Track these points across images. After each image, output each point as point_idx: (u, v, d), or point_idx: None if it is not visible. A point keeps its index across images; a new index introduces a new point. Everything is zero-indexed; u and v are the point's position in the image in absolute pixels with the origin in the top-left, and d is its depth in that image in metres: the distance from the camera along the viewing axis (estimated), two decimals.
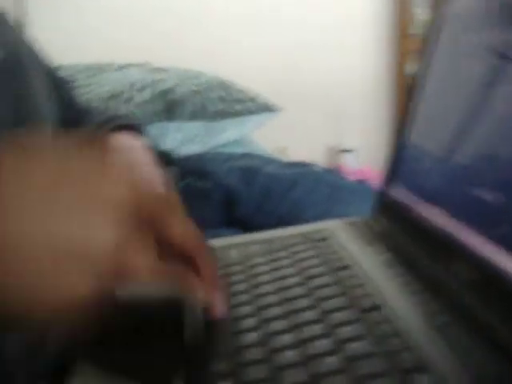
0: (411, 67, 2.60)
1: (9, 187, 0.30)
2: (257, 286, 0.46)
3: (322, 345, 0.36)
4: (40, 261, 0.29)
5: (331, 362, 0.34)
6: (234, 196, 1.09)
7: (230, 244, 0.58)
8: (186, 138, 1.63)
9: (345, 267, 0.48)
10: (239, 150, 1.54)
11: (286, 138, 2.37)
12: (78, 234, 0.30)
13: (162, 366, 0.40)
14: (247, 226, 1.02)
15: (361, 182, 1.18)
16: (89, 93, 1.67)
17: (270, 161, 1.21)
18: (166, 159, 1.14)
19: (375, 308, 0.40)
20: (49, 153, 0.34)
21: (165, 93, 1.65)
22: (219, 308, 0.38)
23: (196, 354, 0.37)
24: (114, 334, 0.34)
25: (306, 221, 0.70)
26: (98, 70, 1.92)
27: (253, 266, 0.50)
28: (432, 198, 0.51)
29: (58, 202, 0.31)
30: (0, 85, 0.75)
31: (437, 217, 0.49)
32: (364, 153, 2.69)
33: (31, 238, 0.29)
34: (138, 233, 0.33)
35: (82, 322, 0.31)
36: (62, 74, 1.01)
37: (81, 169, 0.33)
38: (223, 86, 1.79)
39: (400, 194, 0.58)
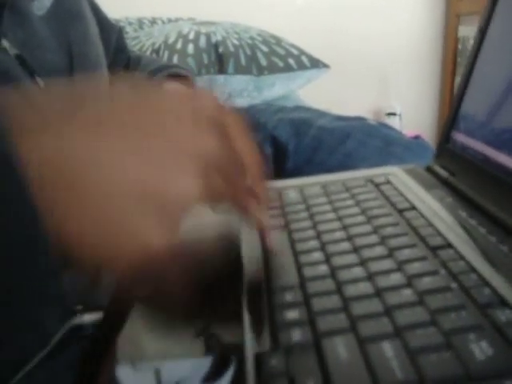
0: (464, 30, 2.52)
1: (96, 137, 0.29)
2: (321, 223, 0.45)
3: (394, 279, 0.35)
4: (121, 207, 0.28)
5: (405, 294, 0.33)
6: (283, 148, 1.07)
7: (287, 186, 0.57)
8: (233, 92, 1.61)
9: (410, 208, 0.47)
10: (289, 105, 1.52)
11: (329, 100, 2.33)
12: (159, 180, 0.29)
13: (222, 303, 0.40)
14: None
15: (415, 138, 1.15)
16: (138, 44, 1.67)
17: (322, 114, 1.19)
18: None
19: (445, 246, 0.39)
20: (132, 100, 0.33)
21: (216, 45, 1.63)
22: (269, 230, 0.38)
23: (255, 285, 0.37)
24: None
25: None
26: (148, 22, 1.91)
27: (315, 206, 0.49)
28: (495, 143, 0.49)
29: (142, 150, 0.30)
30: (50, 31, 0.75)
31: (503, 160, 0.47)
32: (407, 117, 2.64)
33: (115, 184, 0.28)
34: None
35: (151, 270, 0.30)
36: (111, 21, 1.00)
37: (162, 117, 0.32)
38: (274, 39, 1.76)
39: (461, 141, 0.56)
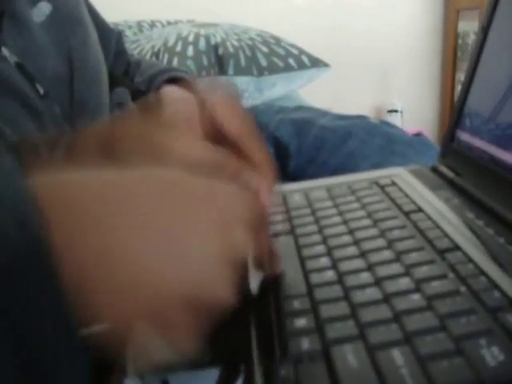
0: (463, 25, 2.52)
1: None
2: (327, 227, 0.45)
3: (402, 283, 0.34)
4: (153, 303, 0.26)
5: (413, 299, 0.32)
6: (285, 148, 1.07)
7: (292, 189, 0.56)
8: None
9: (416, 210, 0.47)
10: (290, 104, 1.52)
11: (330, 98, 2.33)
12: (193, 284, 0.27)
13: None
14: (300, 180, 1.01)
15: (417, 135, 1.15)
16: (138, 47, 1.67)
17: (324, 113, 1.18)
18: None
19: (453, 249, 0.39)
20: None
21: (216, 47, 1.63)
22: (267, 195, 0.37)
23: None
24: None
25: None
26: (147, 25, 1.91)
27: (320, 209, 0.49)
28: (501, 142, 0.49)
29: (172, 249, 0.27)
30: (50, 38, 0.74)
31: (509, 159, 0.47)
32: (408, 113, 2.64)
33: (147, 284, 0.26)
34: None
35: None
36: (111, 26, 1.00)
37: None
38: (273, 40, 1.76)
39: (466, 140, 0.56)
